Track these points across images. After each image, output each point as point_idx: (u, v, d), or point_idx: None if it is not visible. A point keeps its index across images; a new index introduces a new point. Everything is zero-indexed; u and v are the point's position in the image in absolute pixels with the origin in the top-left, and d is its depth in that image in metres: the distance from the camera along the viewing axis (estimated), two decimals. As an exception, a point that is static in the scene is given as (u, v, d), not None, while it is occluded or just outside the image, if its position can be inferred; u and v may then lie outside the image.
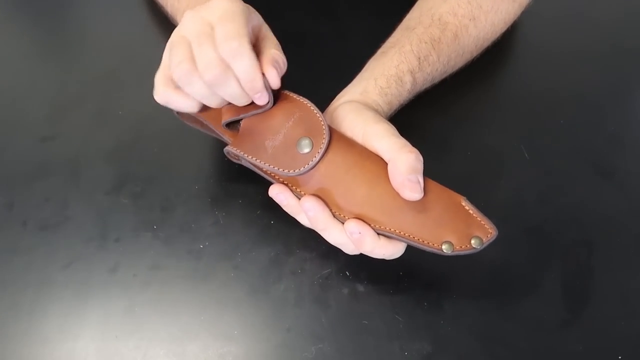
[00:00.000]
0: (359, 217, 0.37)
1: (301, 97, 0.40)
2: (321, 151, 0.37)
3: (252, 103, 0.39)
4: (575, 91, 0.54)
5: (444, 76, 0.50)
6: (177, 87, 0.39)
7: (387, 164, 0.37)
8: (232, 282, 0.42)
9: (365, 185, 0.38)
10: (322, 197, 0.38)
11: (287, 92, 0.40)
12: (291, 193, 0.39)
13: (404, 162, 0.36)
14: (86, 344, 0.40)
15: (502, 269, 0.42)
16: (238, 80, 0.37)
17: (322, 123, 0.38)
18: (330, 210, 0.38)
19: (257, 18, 0.40)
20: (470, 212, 0.37)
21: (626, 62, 0.57)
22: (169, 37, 0.39)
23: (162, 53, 0.41)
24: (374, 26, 0.59)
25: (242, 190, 0.47)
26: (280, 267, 0.43)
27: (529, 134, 0.51)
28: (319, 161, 0.38)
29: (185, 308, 0.41)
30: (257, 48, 0.39)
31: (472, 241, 0.36)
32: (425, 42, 0.47)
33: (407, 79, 0.46)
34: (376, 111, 0.42)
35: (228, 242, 0.44)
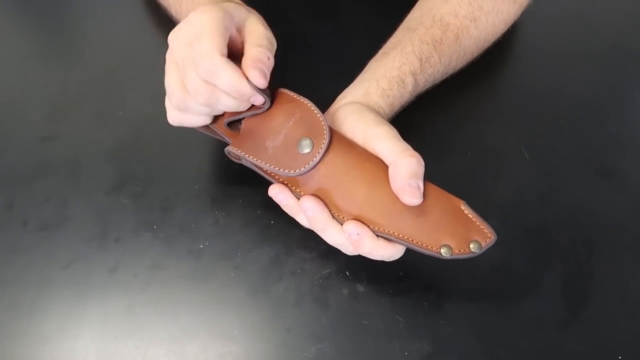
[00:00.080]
0: (358, 219, 0.37)
1: (302, 97, 0.40)
2: (321, 152, 0.37)
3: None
4: (576, 91, 0.54)
5: (444, 77, 0.50)
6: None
7: (387, 166, 0.37)
8: (232, 282, 0.42)
9: (364, 187, 0.38)
10: (321, 197, 0.38)
11: (287, 91, 0.40)
12: (290, 193, 0.39)
13: (405, 166, 0.36)
14: (86, 344, 0.40)
15: (502, 269, 0.42)
16: (227, 94, 0.38)
17: (323, 123, 0.38)
18: (330, 210, 0.38)
19: (239, 15, 0.40)
20: (470, 216, 0.37)
21: (626, 62, 0.57)
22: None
23: (162, 53, 0.41)
24: (374, 26, 0.59)
25: (242, 190, 0.47)
26: (280, 267, 0.43)
27: (529, 134, 0.51)
28: (319, 162, 0.38)
29: (185, 308, 0.41)
30: (242, 47, 0.40)
31: (471, 245, 0.36)
32: (427, 43, 0.47)
33: (409, 80, 0.46)
34: (378, 113, 0.42)
35: (228, 242, 0.44)
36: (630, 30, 0.60)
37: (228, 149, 0.41)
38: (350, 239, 0.37)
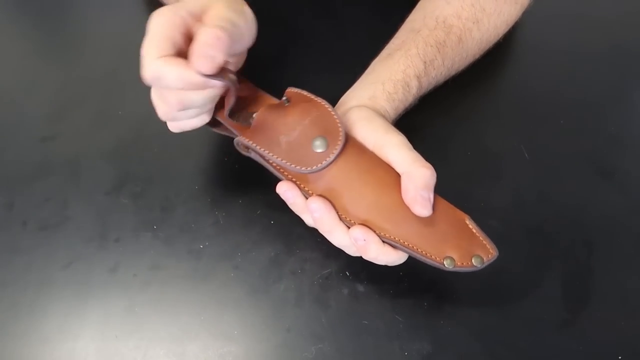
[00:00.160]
0: (365, 223, 0.37)
1: (319, 97, 0.40)
2: (336, 152, 0.37)
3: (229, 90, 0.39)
4: (576, 91, 0.54)
5: (446, 79, 0.50)
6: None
7: (397, 174, 0.38)
8: (232, 282, 0.42)
9: (374, 192, 0.38)
10: (329, 198, 0.38)
11: (304, 92, 0.40)
12: (299, 191, 0.39)
13: (420, 177, 0.36)
14: (86, 344, 0.40)
15: (502, 268, 0.41)
16: (185, 90, 0.37)
17: (339, 125, 0.38)
18: (337, 212, 0.38)
19: (197, 6, 0.38)
20: (474, 231, 0.37)
21: (626, 62, 0.57)
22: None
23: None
24: (373, 25, 0.59)
25: (242, 190, 0.47)
26: (280, 267, 0.43)
27: (529, 134, 0.51)
28: (332, 162, 0.37)
29: (185, 308, 0.41)
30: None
31: (473, 260, 0.37)
32: (431, 46, 0.47)
33: (414, 83, 0.46)
34: (384, 117, 0.42)
35: (228, 242, 0.44)
36: (630, 30, 0.60)
37: (238, 139, 0.40)
38: (357, 244, 0.37)
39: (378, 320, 0.40)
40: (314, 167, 0.37)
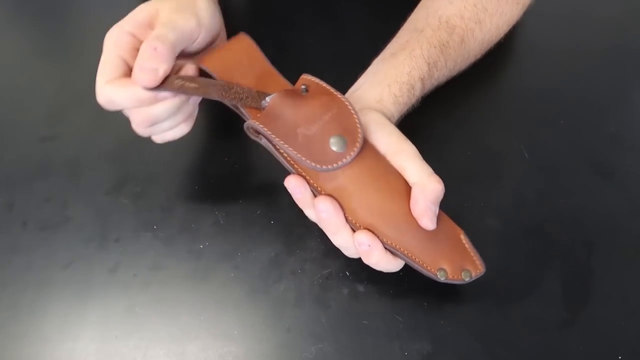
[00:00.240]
0: (369, 227, 0.38)
1: (340, 93, 0.39)
2: (354, 154, 0.37)
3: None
4: (576, 91, 0.54)
5: (447, 80, 0.50)
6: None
7: (406, 182, 0.38)
8: (232, 282, 0.42)
9: (384, 198, 0.38)
10: (338, 198, 0.38)
11: (323, 83, 0.39)
12: (308, 188, 0.38)
13: (432, 191, 0.37)
14: (86, 344, 0.40)
15: (502, 269, 0.42)
16: (147, 110, 0.39)
17: (358, 126, 0.38)
18: (344, 213, 0.38)
19: (141, 16, 0.39)
20: (466, 246, 0.39)
21: (626, 62, 0.57)
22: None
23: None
24: (373, 25, 0.59)
25: (242, 190, 0.47)
26: (280, 267, 0.43)
27: (529, 134, 0.51)
28: (348, 163, 0.37)
29: (185, 308, 0.41)
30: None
31: (463, 273, 0.38)
32: (435, 47, 0.47)
33: (418, 86, 0.46)
34: (390, 121, 0.42)
35: (228, 242, 0.44)
36: (631, 29, 0.60)
37: (250, 123, 0.38)
38: (360, 248, 0.37)
39: (378, 320, 0.40)
40: (330, 166, 0.37)
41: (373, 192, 0.38)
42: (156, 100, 0.38)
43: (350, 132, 0.37)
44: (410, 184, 0.38)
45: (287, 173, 0.39)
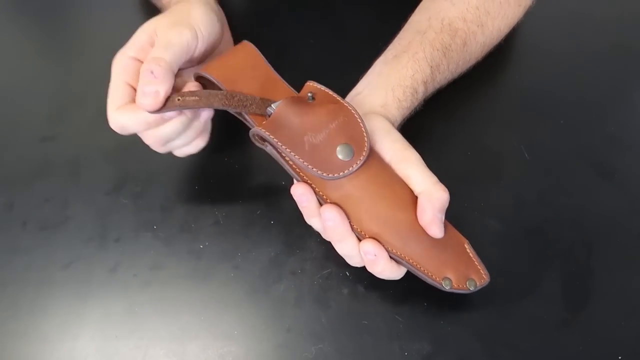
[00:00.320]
0: (375, 237, 0.38)
1: (346, 101, 0.39)
2: (360, 162, 0.37)
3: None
4: (575, 91, 0.54)
5: (449, 82, 0.50)
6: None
7: (411, 191, 0.38)
8: (232, 282, 0.42)
9: (390, 207, 0.38)
10: (344, 206, 0.38)
11: (329, 90, 0.39)
12: (314, 196, 0.38)
13: (439, 199, 0.37)
14: (86, 344, 0.40)
15: (502, 269, 0.41)
16: (157, 130, 0.40)
17: (365, 134, 0.38)
18: (349, 222, 0.38)
19: (140, 39, 0.40)
20: (471, 255, 0.39)
21: (626, 62, 0.57)
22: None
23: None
24: (373, 26, 0.59)
25: (242, 190, 0.47)
26: (280, 267, 0.43)
27: (529, 134, 0.51)
28: (354, 171, 0.37)
29: (185, 308, 0.41)
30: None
31: (468, 283, 0.38)
32: (437, 50, 0.47)
33: (421, 89, 0.46)
34: (394, 127, 0.42)
35: (228, 242, 0.44)
36: (631, 30, 0.60)
37: (256, 131, 0.38)
38: (366, 257, 0.37)
39: (378, 320, 0.40)
40: (336, 175, 0.37)
41: (379, 200, 0.38)
42: (163, 121, 0.40)
43: (357, 141, 0.37)
44: (415, 193, 0.38)
45: (290, 177, 0.39)
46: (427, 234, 0.38)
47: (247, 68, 0.42)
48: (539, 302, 0.41)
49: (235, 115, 0.43)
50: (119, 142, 0.50)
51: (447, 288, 0.38)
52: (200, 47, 0.41)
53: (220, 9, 0.49)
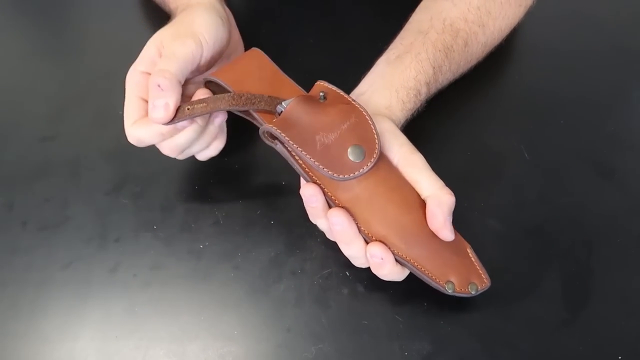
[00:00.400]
0: (382, 239, 0.38)
1: (357, 102, 0.39)
2: (370, 164, 0.37)
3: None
4: (575, 91, 0.54)
5: (450, 83, 0.50)
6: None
7: (418, 194, 0.39)
8: (232, 282, 0.42)
9: (398, 209, 0.38)
10: (353, 208, 0.38)
11: (340, 90, 0.40)
12: (324, 198, 0.38)
13: (447, 203, 0.37)
14: (86, 344, 0.40)
15: (502, 269, 0.41)
16: (172, 141, 0.41)
17: (376, 136, 0.38)
18: (357, 224, 0.38)
19: (149, 53, 0.41)
20: (473, 259, 0.39)
21: (626, 62, 0.57)
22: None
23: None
24: (374, 26, 0.59)
25: (242, 190, 0.47)
26: (280, 267, 0.43)
27: (529, 134, 0.51)
28: (365, 173, 0.37)
29: (185, 308, 0.41)
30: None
31: (469, 287, 0.38)
32: (440, 51, 0.47)
33: (424, 90, 0.46)
34: (398, 129, 0.42)
35: (228, 242, 0.44)
36: (631, 30, 0.60)
37: (267, 128, 0.38)
38: (372, 260, 0.38)
39: (378, 320, 0.40)
40: (347, 176, 0.37)
41: (387, 203, 0.38)
42: (177, 131, 0.41)
43: (368, 142, 0.38)
44: (422, 197, 0.39)
45: (291, 177, 0.39)
46: (432, 237, 0.38)
47: (255, 70, 0.42)
48: (539, 302, 0.41)
49: (244, 116, 0.43)
50: (119, 142, 0.50)
51: (449, 291, 0.38)
52: (205, 55, 0.42)
53: (228, 10, 0.49)
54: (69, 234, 0.45)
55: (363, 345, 0.39)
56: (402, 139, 0.40)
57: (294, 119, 0.38)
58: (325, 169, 0.37)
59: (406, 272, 0.39)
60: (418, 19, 0.50)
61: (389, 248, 0.37)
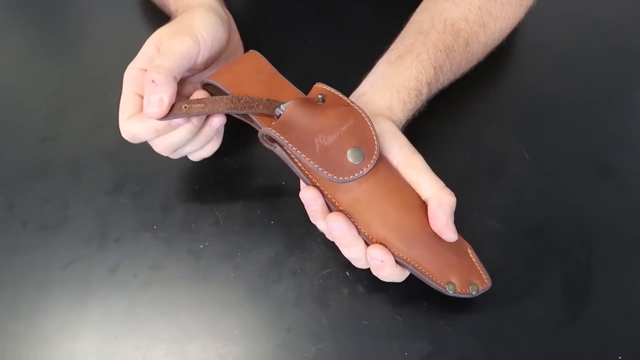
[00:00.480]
0: (383, 241, 0.38)
1: (356, 103, 0.39)
2: (370, 166, 0.37)
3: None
4: (576, 91, 0.54)
5: (451, 83, 0.50)
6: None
7: (418, 196, 0.39)
8: (232, 282, 0.42)
9: (398, 211, 0.38)
10: (353, 210, 0.38)
11: (338, 92, 0.39)
12: (323, 200, 0.38)
13: (448, 204, 0.37)
14: (86, 344, 0.40)
15: (502, 269, 0.41)
16: (166, 138, 0.41)
17: (375, 138, 0.38)
18: (357, 226, 0.38)
19: (147, 50, 0.41)
20: (473, 260, 0.39)
21: (626, 62, 0.57)
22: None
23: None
24: (374, 26, 0.59)
25: (242, 190, 0.47)
26: (280, 267, 0.43)
27: (529, 134, 0.51)
28: (364, 175, 0.37)
29: (185, 308, 0.41)
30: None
31: (470, 287, 0.38)
32: (441, 51, 0.47)
33: (425, 90, 0.46)
34: (399, 129, 0.42)
35: (228, 242, 0.44)
36: (630, 30, 0.60)
37: (266, 131, 0.38)
38: (372, 262, 0.38)
39: (378, 320, 0.40)
40: (347, 178, 0.37)
41: (387, 205, 0.38)
42: (172, 128, 0.40)
43: (367, 144, 0.37)
44: (423, 198, 0.39)
45: (292, 177, 0.39)
46: (432, 238, 0.38)
47: (253, 72, 0.42)
48: (539, 302, 0.41)
49: (242, 119, 0.43)
50: (119, 142, 0.50)
51: (450, 292, 0.38)
52: (203, 53, 0.42)
53: (228, 12, 0.49)
54: (69, 234, 0.45)
55: (363, 345, 0.39)
56: (403, 140, 0.40)
57: (293, 121, 0.38)
58: (324, 172, 0.37)
59: (407, 273, 0.39)
60: (419, 19, 0.50)
61: (389, 250, 0.37)
